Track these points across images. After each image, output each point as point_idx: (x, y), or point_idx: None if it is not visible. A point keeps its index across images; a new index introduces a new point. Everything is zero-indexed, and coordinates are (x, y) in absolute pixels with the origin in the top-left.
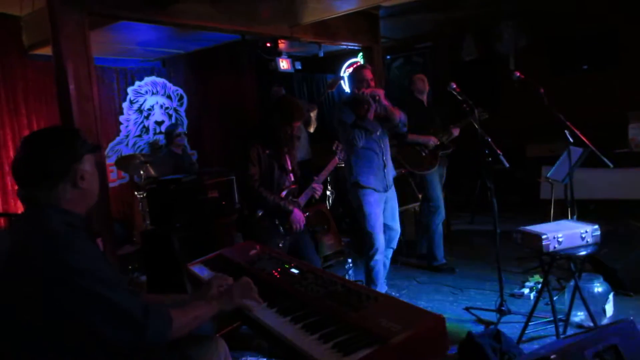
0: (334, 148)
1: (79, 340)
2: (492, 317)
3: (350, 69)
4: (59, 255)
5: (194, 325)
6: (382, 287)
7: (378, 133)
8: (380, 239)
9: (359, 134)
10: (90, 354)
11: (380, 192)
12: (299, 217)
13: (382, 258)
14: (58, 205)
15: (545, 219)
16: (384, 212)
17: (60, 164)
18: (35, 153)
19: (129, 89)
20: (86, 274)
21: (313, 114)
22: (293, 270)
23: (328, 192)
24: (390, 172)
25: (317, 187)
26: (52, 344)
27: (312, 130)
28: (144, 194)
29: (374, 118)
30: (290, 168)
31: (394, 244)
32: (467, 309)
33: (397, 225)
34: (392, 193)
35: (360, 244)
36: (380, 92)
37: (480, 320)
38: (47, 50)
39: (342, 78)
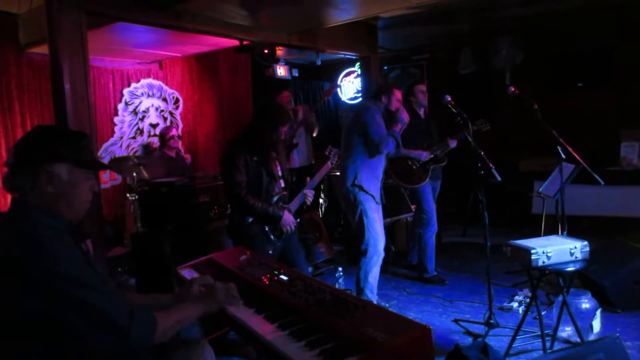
0: (326, 153)
1: (62, 345)
2: (480, 329)
3: (390, 86)
4: (40, 260)
5: (179, 328)
6: (373, 297)
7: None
8: (382, 244)
9: (392, 141)
10: (75, 358)
11: (377, 204)
12: (289, 219)
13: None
14: (39, 205)
15: (536, 233)
16: None
17: (28, 156)
18: (21, 140)
19: (125, 91)
20: (68, 279)
21: (313, 118)
22: (282, 277)
23: (321, 200)
24: None
25: (309, 192)
26: (35, 347)
27: (315, 134)
28: (136, 196)
29: None
30: (280, 174)
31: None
32: (455, 320)
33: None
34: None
35: (352, 252)
36: (407, 118)
37: (468, 333)
38: (43, 49)
39: (339, 86)
